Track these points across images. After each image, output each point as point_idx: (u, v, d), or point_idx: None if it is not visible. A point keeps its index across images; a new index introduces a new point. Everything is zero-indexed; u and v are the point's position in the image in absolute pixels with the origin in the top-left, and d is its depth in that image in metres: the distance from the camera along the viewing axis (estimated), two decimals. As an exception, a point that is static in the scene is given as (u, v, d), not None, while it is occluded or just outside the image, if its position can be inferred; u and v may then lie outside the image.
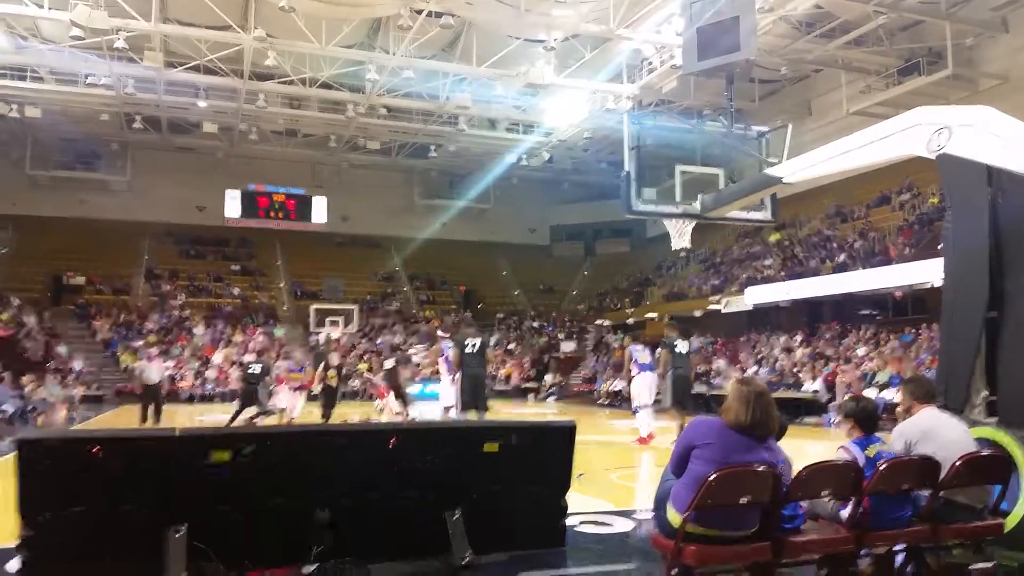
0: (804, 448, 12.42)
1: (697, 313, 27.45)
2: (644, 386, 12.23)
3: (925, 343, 18.29)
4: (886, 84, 23.05)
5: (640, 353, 12.53)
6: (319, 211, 38.75)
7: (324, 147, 33.10)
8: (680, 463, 3.51)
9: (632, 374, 12.60)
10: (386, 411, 13.41)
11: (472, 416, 10.75)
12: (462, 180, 39.10)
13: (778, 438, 3.71)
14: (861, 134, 6.27)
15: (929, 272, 17.81)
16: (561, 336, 34.25)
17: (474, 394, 10.74)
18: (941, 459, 3.94)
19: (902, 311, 21.71)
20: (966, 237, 5.26)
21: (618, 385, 25.56)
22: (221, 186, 36.48)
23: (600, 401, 26.77)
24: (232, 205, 37.37)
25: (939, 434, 4.19)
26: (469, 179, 38.19)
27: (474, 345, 10.90)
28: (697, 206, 8.52)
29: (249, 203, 37.55)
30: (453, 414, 11.40)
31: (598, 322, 34.08)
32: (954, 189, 5.49)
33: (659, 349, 12.41)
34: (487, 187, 37.81)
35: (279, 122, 30.10)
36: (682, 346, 12.12)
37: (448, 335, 12.98)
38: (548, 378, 31.26)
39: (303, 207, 38.48)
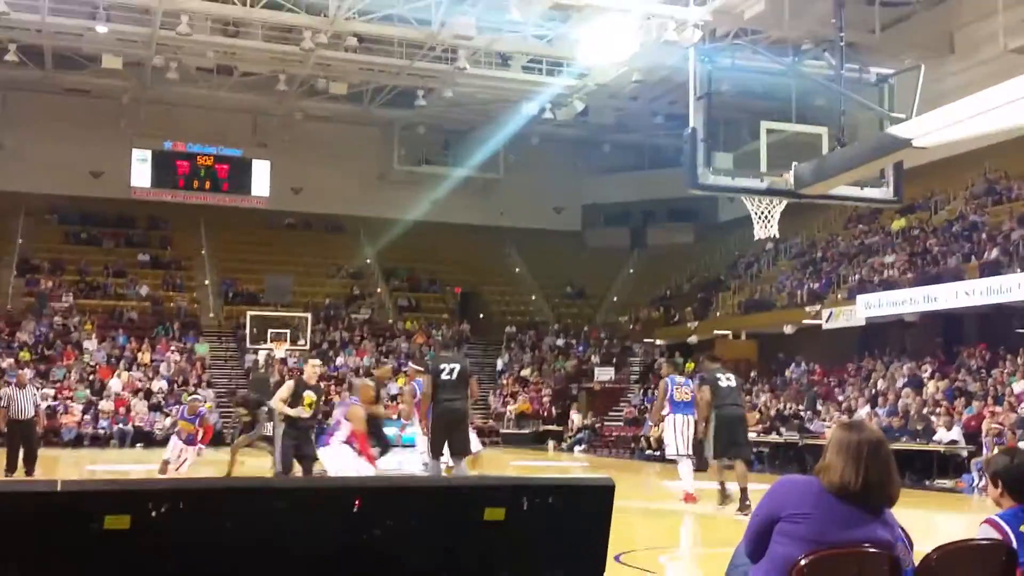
0: (934, 521, 12.34)
1: (788, 329, 27.34)
2: (677, 430, 13.13)
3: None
4: (1060, 10, 22.92)
5: (679, 388, 13.25)
6: (261, 180, 38.87)
7: (270, 91, 33.26)
8: (759, 541, 3.47)
9: (664, 413, 13.49)
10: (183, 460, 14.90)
11: (445, 466, 11.09)
12: (460, 139, 39.15)
13: (889, 505, 3.69)
14: (1022, 81, 6.24)
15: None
16: (595, 360, 34.24)
17: (449, 434, 11.05)
18: None
19: (1078, 331, 21.54)
20: None
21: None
22: (125, 144, 36.63)
23: (648, 451, 26.69)
24: (140, 171, 37.52)
25: None
26: (470, 138, 38.22)
27: (452, 371, 11.37)
28: (791, 179, 8.50)
29: (164, 168, 37.71)
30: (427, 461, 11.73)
31: (647, 340, 34.02)
32: None
33: (699, 385, 13.24)
34: (496, 150, 37.86)
35: (208, 55, 30.24)
36: (726, 379, 12.64)
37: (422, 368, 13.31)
38: (575, 418, 31.25)
39: (239, 175, 38.61)
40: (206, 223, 37.18)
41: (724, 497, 12.28)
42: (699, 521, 12.01)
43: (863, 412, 21.55)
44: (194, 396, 16.80)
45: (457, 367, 11.39)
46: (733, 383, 12.64)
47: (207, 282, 35.71)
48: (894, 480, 3.47)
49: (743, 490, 11.92)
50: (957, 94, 7.24)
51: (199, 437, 15.24)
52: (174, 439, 15.57)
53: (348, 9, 25.85)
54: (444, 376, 11.18)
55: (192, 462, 15.10)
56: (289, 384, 11.74)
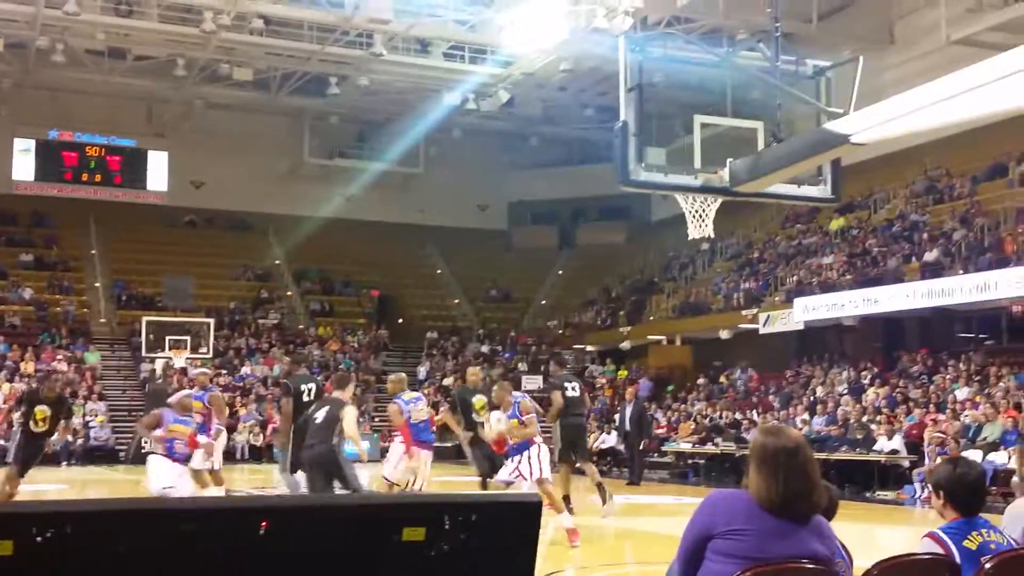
0: (875, 535, 12.61)
1: (724, 334, 27.73)
2: (398, 456, 13.31)
3: (1053, 382, 18.72)
4: (1004, 0, 23.55)
5: (415, 407, 13.18)
6: (158, 174, 38.21)
7: (167, 76, 32.72)
8: (691, 560, 3.50)
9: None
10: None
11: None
12: (377, 131, 38.93)
13: (828, 518, 3.75)
14: (966, 74, 6.42)
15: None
16: (522, 367, 34.32)
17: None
18: (1073, 551, 4.03)
19: (1022, 335, 22.17)
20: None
21: (608, 441, 25.68)
22: (6, 133, 35.77)
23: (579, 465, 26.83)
24: (23, 163, 36.68)
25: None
26: (388, 130, 38.04)
27: (310, 390, 12.03)
28: (725, 175, 8.63)
29: (50, 160, 36.89)
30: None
31: (577, 346, 34.21)
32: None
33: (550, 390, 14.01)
34: (415, 143, 37.75)
35: (98, 37, 29.63)
36: (572, 388, 13.57)
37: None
38: (503, 430, 31.30)
39: (133, 167, 37.92)
40: (96, 220, 36.42)
41: (566, 506, 12.57)
42: (631, 538, 12.12)
43: (798, 421, 21.94)
44: (201, 370, 13.53)
45: (314, 386, 12.16)
46: (577, 392, 13.58)
47: (98, 284, 34.97)
48: (816, 486, 3.51)
49: (599, 485, 13.22)
50: (897, 87, 7.43)
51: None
52: (166, 464, 11.08)
53: (254, -11, 25.57)
54: (305, 397, 11.84)
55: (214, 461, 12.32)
56: (352, 411, 10.70)
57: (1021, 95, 5.94)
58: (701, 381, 28.16)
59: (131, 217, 36.90)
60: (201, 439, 11.59)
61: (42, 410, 12.61)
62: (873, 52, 25.26)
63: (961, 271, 21.69)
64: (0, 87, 33.79)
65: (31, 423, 12.58)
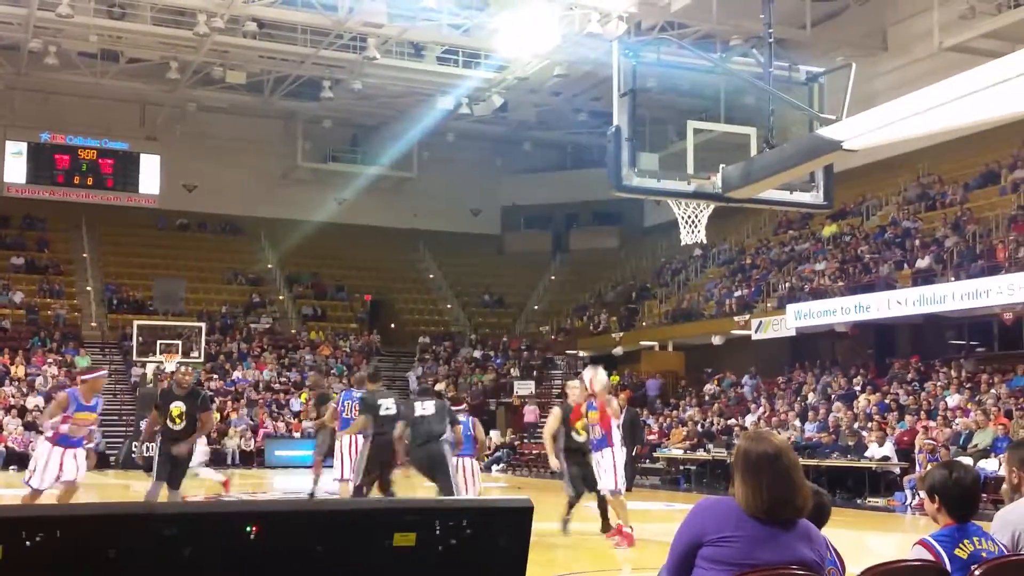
0: (866, 542, 12.60)
1: (716, 340, 27.74)
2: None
3: (1045, 388, 18.76)
4: (997, 7, 23.66)
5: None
6: (150, 177, 38.19)
7: (160, 79, 32.71)
8: (681, 568, 3.51)
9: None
10: None
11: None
12: (370, 135, 38.95)
13: (820, 525, 3.74)
14: (959, 80, 6.43)
15: (1052, 285, 18.30)
16: (515, 372, 34.34)
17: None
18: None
19: (1013, 342, 22.23)
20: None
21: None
22: (-2, 135, 35.73)
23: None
24: (15, 165, 36.64)
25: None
26: (381, 134, 38.07)
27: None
28: (718, 181, 8.63)
29: (42, 162, 36.88)
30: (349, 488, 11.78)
31: (570, 352, 34.21)
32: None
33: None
34: (409, 147, 37.77)
35: (91, 39, 29.61)
36: (388, 405, 13.01)
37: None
38: (494, 435, 31.29)
39: (125, 170, 37.91)
40: (88, 223, 36.40)
41: None
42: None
43: (790, 428, 21.96)
44: (98, 372, 12.52)
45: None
46: (392, 411, 12.85)
47: (89, 288, 34.93)
48: (800, 489, 3.51)
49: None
50: (890, 94, 7.43)
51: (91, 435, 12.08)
52: (47, 449, 10.85)
53: (247, -8, 25.58)
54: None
55: (83, 476, 11.40)
56: (556, 412, 12.20)
57: (1013, 102, 5.96)
58: (708, 387, 28.15)
59: (123, 220, 36.90)
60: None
61: (178, 407, 11.68)
62: (866, 58, 25.40)
63: (953, 278, 21.76)
64: (-8, 89, 33.78)
65: (168, 422, 11.59)
